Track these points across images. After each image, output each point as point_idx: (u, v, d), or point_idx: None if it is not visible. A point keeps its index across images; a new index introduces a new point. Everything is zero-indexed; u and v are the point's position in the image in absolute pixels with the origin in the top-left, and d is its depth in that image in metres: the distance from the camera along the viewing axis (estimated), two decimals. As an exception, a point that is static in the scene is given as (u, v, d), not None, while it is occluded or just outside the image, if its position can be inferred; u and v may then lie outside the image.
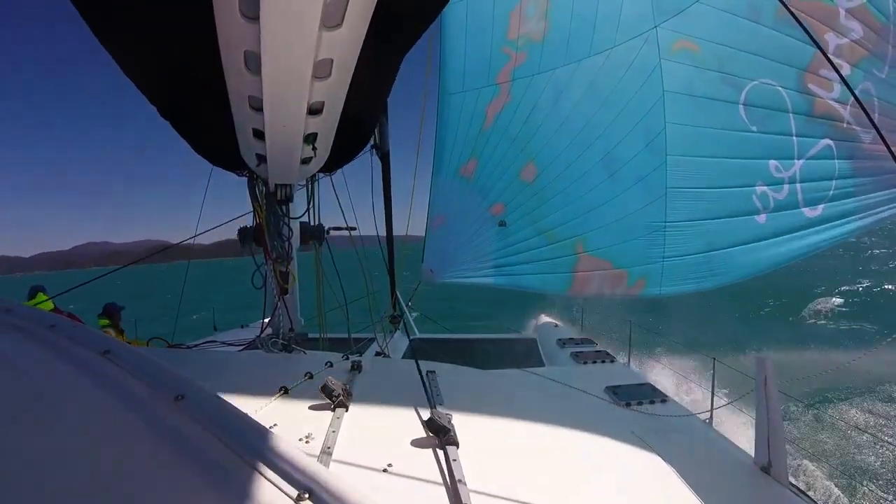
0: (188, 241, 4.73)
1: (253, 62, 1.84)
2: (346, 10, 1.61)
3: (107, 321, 5.50)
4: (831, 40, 5.64)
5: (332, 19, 1.63)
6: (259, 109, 2.15)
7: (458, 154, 5.98)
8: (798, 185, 5.82)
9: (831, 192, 5.84)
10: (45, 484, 0.68)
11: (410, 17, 2.13)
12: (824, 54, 5.03)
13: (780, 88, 5.72)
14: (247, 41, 1.72)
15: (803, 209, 5.83)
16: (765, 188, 5.82)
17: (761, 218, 5.85)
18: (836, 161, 5.85)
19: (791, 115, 5.75)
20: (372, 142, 5.32)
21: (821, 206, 5.83)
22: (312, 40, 1.67)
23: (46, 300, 5.20)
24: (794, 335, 14.61)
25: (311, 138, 2.55)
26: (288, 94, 2.03)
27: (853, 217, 5.93)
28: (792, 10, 5.33)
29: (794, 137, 5.80)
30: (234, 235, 3.61)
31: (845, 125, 5.79)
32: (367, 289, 4.85)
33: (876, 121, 5.77)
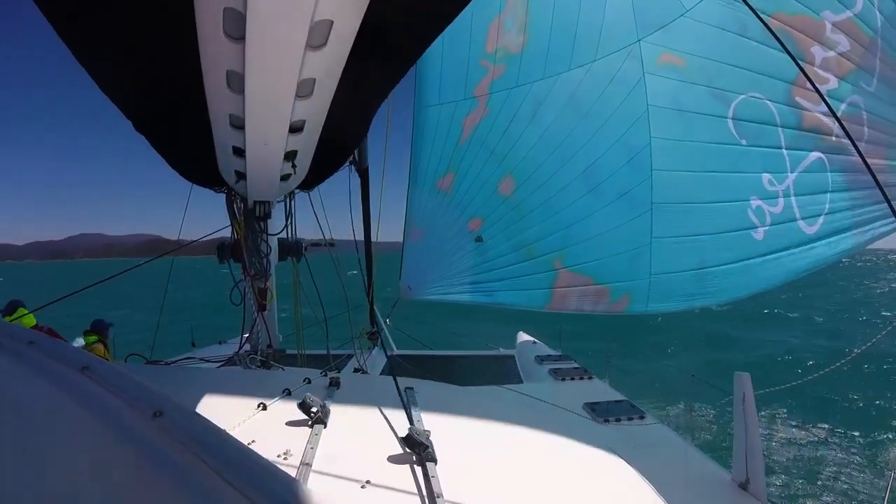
0: (172, 253, 4.71)
1: (235, 81, 1.86)
2: (330, 30, 1.62)
3: (95, 337, 5.45)
4: (818, 53, 5.56)
5: (317, 39, 1.65)
6: (240, 128, 2.18)
7: (435, 167, 5.92)
8: (793, 199, 5.68)
9: (827, 206, 5.70)
10: (21, 501, 0.66)
11: (403, 40, 2.11)
12: (803, 72, 4.94)
13: (768, 102, 5.63)
14: (230, 61, 1.74)
15: (800, 223, 5.67)
16: (760, 202, 5.68)
17: (758, 234, 5.70)
18: (829, 174, 5.71)
19: (780, 128, 5.65)
20: (350, 157, 5.32)
21: (819, 221, 5.68)
22: (298, 60, 1.69)
23: (27, 314, 5.15)
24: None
25: (290, 155, 2.57)
26: (270, 112, 2.06)
27: (851, 232, 5.77)
28: (774, 26, 5.30)
29: (785, 150, 5.69)
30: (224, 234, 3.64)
31: (834, 138, 5.68)
32: (346, 302, 4.79)
33: (865, 134, 5.68)
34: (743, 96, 5.60)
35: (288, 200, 3.74)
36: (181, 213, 5.22)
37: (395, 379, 2.50)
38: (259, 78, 1.77)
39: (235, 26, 1.56)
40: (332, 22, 1.59)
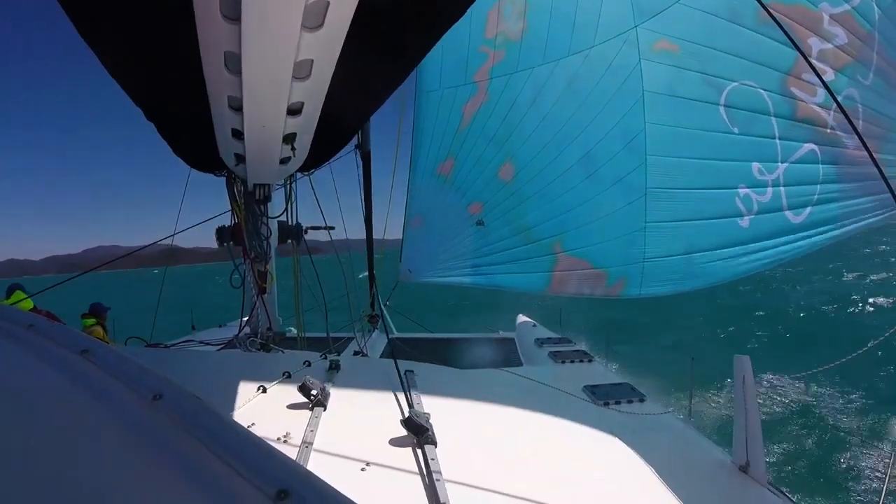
0: (166, 240, 4.73)
1: (233, 63, 1.87)
2: (327, 10, 1.63)
3: (93, 320, 5.50)
4: (815, 45, 5.58)
5: (314, 20, 1.65)
6: (238, 109, 2.19)
7: (436, 153, 5.96)
8: (782, 189, 5.75)
9: (816, 197, 5.77)
10: (18, 484, 0.67)
11: (410, 26, 2.11)
12: (805, 57, 4.97)
13: (761, 91, 5.65)
14: (227, 42, 1.74)
15: (787, 213, 5.76)
16: (748, 191, 5.75)
17: (744, 222, 5.78)
18: (820, 166, 5.78)
19: (773, 118, 5.68)
20: (355, 142, 5.36)
21: (805, 211, 5.77)
22: (293, 41, 1.68)
23: (25, 298, 5.17)
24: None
25: (289, 138, 2.58)
26: (268, 94, 2.06)
27: (837, 223, 5.87)
28: (773, 13, 5.33)
29: (778, 140, 5.74)
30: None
31: (829, 130, 5.72)
32: (346, 286, 4.86)
33: (860, 127, 5.73)
34: (735, 84, 5.60)
35: (288, 184, 3.75)
36: (195, 221, 5.22)
37: (395, 362, 2.52)
38: (255, 58, 1.77)
39: (231, 6, 1.56)
40: (329, 3, 1.60)
